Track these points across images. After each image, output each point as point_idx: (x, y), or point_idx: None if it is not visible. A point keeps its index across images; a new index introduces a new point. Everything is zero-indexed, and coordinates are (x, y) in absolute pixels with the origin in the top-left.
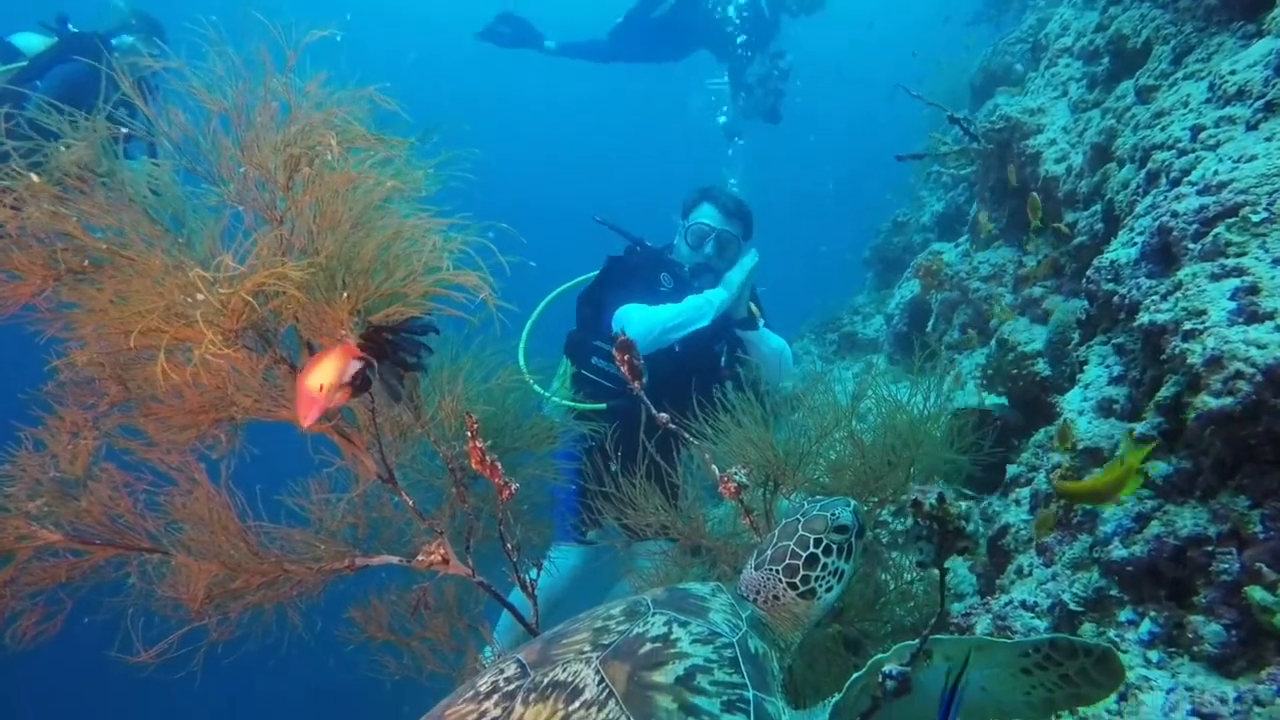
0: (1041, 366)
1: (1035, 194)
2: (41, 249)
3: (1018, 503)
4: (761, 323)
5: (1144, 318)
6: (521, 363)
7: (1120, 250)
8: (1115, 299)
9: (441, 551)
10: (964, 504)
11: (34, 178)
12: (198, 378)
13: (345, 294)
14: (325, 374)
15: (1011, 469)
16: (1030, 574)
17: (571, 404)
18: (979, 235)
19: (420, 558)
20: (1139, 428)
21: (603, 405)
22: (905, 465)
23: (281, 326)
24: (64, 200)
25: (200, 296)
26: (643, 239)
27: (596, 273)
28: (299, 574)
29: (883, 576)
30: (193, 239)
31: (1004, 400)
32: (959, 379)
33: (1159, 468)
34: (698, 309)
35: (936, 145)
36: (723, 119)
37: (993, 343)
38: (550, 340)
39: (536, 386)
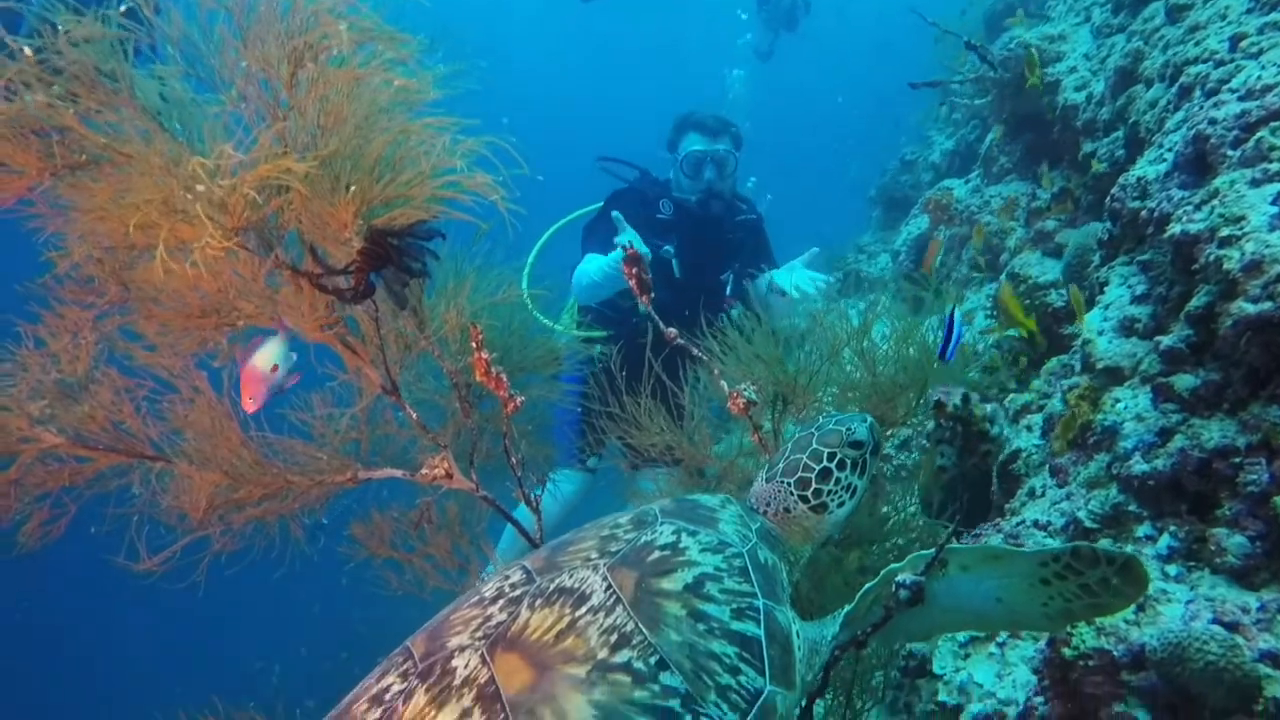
0: (1054, 298)
1: (1032, 50)
2: (37, 140)
3: (1029, 429)
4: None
5: (1175, 229)
6: (525, 297)
7: (1148, 167)
8: (1142, 215)
9: (445, 465)
10: (989, 406)
11: (27, 51)
12: (199, 281)
13: (351, 190)
14: (269, 357)
15: (1023, 396)
16: (1043, 495)
17: (578, 333)
18: (992, 162)
19: (424, 471)
20: (1165, 341)
21: (609, 331)
22: (917, 387)
23: (284, 229)
24: (65, 93)
25: (200, 188)
26: (648, 170)
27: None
28: (302, 486)
29: (884, 509)
30: (193, 138)
31: (1015, 332)
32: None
33: (1185, 381)
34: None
35: (952, 74)
36: (748, 35)
37: (1003, 276)
38: (560, 269)
39: (542, 318)
